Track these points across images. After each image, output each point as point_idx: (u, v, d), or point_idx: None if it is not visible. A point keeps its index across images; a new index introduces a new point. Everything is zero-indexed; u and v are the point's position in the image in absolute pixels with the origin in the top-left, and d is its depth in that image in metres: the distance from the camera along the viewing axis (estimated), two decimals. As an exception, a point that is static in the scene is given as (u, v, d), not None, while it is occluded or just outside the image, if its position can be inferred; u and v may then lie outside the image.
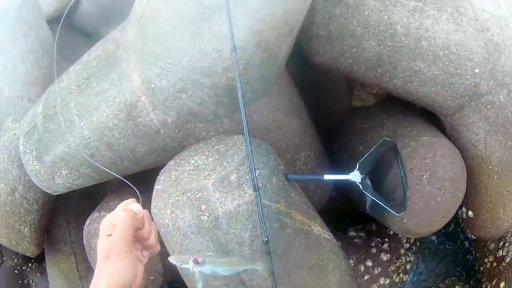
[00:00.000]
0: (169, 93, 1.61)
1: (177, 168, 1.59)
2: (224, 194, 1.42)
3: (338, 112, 2.29)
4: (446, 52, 1.70)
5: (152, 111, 1.65)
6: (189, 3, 1.49)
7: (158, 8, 1.58)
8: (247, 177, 1.44)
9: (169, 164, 1.65)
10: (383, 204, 1.68)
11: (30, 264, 3.09)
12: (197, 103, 1.64)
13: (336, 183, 2.01)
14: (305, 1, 1.58)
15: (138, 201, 0.89)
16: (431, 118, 2.06)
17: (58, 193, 2.04)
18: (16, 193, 2.28)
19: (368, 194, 1.68)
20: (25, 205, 2.30)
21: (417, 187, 1.76)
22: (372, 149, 1.75)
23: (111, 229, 0.79)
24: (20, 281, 3.02)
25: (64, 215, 2.59)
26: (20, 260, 3.09)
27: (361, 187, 1.64)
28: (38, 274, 3.04)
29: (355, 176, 1.65)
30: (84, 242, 2.08)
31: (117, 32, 1.80)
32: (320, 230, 1.70)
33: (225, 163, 1.49)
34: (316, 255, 1.64)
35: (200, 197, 1.42)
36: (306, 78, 2.12)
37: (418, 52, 1.71)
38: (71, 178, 1.90)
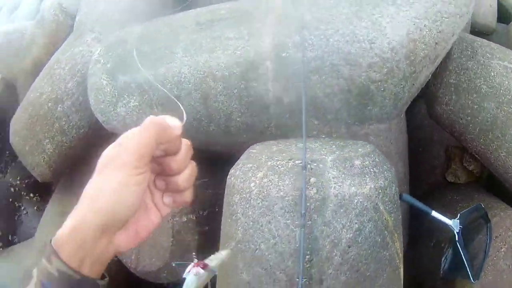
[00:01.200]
0: (299, 69, 1.33)
1: (281, 143, 1.30)
2: (343, 175, 1.12)
3: (427, 182, 2.16)
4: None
5: (272, 81, 1.37)
6: None
7: None
8: (373, 170, 1.16)
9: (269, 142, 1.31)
10: (466, 264, 1.55)
11: (31, 194, 2.73)
12: (324, 93, 1.36)
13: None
14: (453, 35, 1.48)
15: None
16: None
17: (108, 127, 1.69)
18: (59, 105, 1.93)
19: (460, 249, 1.56)
20: (63, 123, 1.94)
21: (494, 258, 1.62)
22: (469, 208, 1.70)
23: (129, 138, 0.47)
24: (11, 200, 2.59)
25: None
26: (24, 183, 2.74)
27: (456, 237, 1.56)
28: (35, 208, 2.65)
29: (455, 225, 1.58)
30: None
31: None
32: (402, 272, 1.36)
33: (346, 150, 1.23)
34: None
35: (312, 168, 1.11)
36: (409, 141, 2.03)
37: (527, 122, 1.68)
38: (136, 113, 1.58)
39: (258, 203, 1.13)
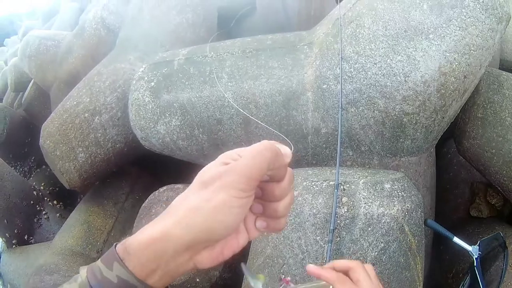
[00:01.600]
0: (338, 100, 1.39)
1: (316, 169, 1.37)
2: (372, 196, 1.18)
3: (452, 219, 2.18)
4: None
5: (312, 111, 1.43)
6: (396, 18, 1.42)
7: (363, 13, 1.48)
8: (402, 194, 1.22)
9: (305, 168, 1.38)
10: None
11: (55, 201, 2.81)
12: (360, 125, 1.42)
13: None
14: (480, 67, 1.52)
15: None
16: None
17: (145, 143, 1.75)
18: (97, 117, 2.01)
19: (478, 274, 1.58)
20: (99, 135, 2.01)
21: (509, 284, 1.63)
22: (489, 236, 1.72)
23: (234, 159, 0.46)
24: (32, 203, 2.67)
25: (132, 180, 2.30)
26: (49, 190, 2.78)
27: (475, 263, 1.58)
28: (57, 215, 2.70)
29: (474, 251, 1.60)
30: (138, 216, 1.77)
31: (303, 32, 1.67)
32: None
33: (378, 175, 1.29)
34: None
35: (344, 189, 1.18)
36: (438, 179, 2.06)
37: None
38: (177, 133, 1.63)
39: (291, 220, 1.18)
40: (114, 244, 0.46)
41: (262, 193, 0.49)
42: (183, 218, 0.44)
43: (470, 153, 1.91)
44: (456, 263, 2.03)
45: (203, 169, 0.46)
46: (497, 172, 1.83)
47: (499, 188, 2.04)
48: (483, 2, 1.41)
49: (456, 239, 1.66)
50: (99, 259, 0.46)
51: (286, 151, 0.49)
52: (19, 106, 3.97)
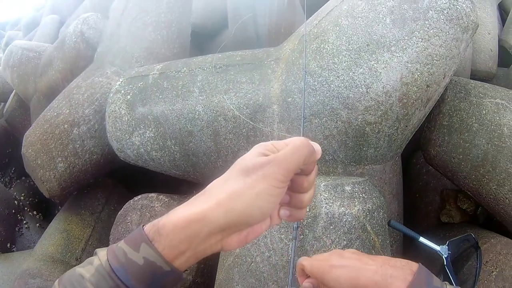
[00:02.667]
0: (302, 112, 1.51)
1: None
2: (333, 197, 1.27)
3: (422, 225, 2.28)
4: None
5: (277, 123, 1.54)
6: (359, 32, 1.51)
7: (328, 29, 1.58)
8: (362, 195, 1.31)
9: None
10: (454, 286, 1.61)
11: (34, 212, 2.87)
12: (323, 135, 1.53)
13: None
14: (444, 76, 1.58)
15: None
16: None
17: (121, 155, 1.85)
18: (75, 129, 2.08)
19: (449, 272, 1.66)
20: (77, 145, 2.08)
21: (485, 282, 1.70)
22: (459, 237, 1.79)
23: (271, 151, 0.52)
24: (14, 212, 2.74)
25: (108, 191, 2.37)
26: (28, 200, 2.85)
27: (445, 262, 1.67)
28: (37, 224, 2.77)
29: (443, 250, 1.68)
30: (114, 224, 1.85)
31: (270, 48, 1.78)
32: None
33: (340, 180, 1.38)
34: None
35: None
36: (407, 189, 2.17)
37: (516, 154, 1.73)
38: (150, 144, 1.74)
39: None
40: (141, 225, 0.48)
41: (291, 185, 0.54)
42: (224, 201, 0.46)
43: (437, 160, 1.99)
44: (428, 267, 2.14)
45: (242, 158, 0.51)
46: (466, 177, 1.91)
47: (469, 193, 2.10)
48: (447, 13, 1.48)
49: (423, 239, 1.72)
50: (122, 241, 0.48)
51: (317, 148, 0.56)
52: (0, 117, 4.05)
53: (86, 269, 0.47)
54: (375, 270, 0.61)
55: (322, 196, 1.28)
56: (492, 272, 1.73)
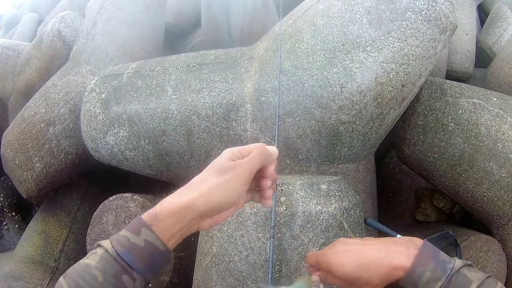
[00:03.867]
0: (275, 112, 1.51)
1: None
2: (309, 195, 1.26)
3: (397, 223, 2.28)
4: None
5: (251, 122, 1.53)
6: (335, 32, 1.51)
7: (303, 29, 1.57)
8: (338, 194, 1.31)
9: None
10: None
11: (13, 213, 2.81)
12: (297, 134, 1.53)
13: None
14: (420, 76, 1.59)
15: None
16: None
17: (95, 154, 1.82)
18: (51, 128, 2.04)
19: None
20: (53, 145, 2.04)
21: None
22: (436, 234, 1.80)
23: (237, 157, 0.65)
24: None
25: (83, 192, 2.33)
26: (7, 201, 2.80)
27: None
28: (16, 226, 2.72)
29: None
30: (90, 224, 1.83)
31: (244, 47, 1.77)
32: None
33: (315, 178, 1.37)
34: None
35: (282, 190, 1.26)
36: (381, 188, 2.15)
37: (493, 153, 1.74)
38: (124, 144, 1.71)
39: (234, 219, 1.26)
40: (139, 215, 0.58)
41: (261, 173, 0.68)
42: (205, 192, 0.59)
43: (412, 159, 1.99)
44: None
45: (216, 161, 0.64)
46: (442, 176, 1.91)
47: (445, 192, 2.12)
48: (425, 14, 1.48)
49: (400, 237, 1.74)
50: (123, 230, 0.57)
51: (274, 151, 0.70)
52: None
53: (91, 259, 0.55)
54: (377, 247, 0.66)
55: (298, 195, 1.27)
56: (473, 269, 1.76)
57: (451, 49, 2.85)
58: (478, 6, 3.73)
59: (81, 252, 2.15)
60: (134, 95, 1.68)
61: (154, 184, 2.16)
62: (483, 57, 3.25)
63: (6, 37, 4.55)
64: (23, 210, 2.94)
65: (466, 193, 1.89)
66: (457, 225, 2.20)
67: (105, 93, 1.76)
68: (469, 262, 0.64)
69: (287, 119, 1.52)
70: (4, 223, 2.85)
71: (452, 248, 1.74)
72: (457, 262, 0.63)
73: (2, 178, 3.39)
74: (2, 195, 3.01)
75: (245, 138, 1.55)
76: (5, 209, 2.88)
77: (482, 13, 3.86)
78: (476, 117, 1.79)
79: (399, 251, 0.64)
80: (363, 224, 1.49)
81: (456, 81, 2.18)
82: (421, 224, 2.22)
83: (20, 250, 2.27)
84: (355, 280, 0.66)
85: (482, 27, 3.55)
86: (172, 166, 1.67)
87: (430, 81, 1.94)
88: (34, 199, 2.23)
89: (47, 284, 2.06)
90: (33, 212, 2.64)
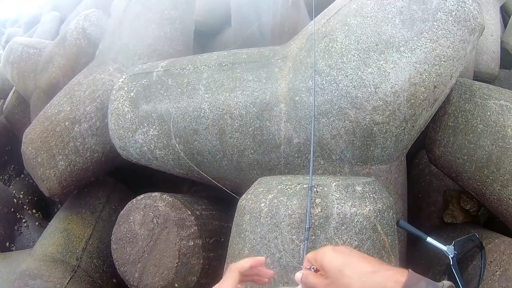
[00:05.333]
0: (310, 112, 1.48)
1: (289, 176, 1.44)
2: (345, 197, 1.24)
3: (426, 225, 2.26)
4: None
5: (285, 122, 1.50)
6: (369, 32, 1.50)
7: (336, 28, 1.55)
8: (373, 195, 1.29)
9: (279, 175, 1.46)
10: (460, 286, 1.63)
11: (34, 210, 2.80)
12: (331, 134, 1.50)
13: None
14: (451, 77, 1.58)
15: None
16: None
17: (123, 153, 1.80)
18: (76, 126, 2.03)
19: (455, 272, 1.65)
20: (78, 143, 2.03)
21: (489, 281, 1.70)
22: (463, 237, 1.79)
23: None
24: (13, 210, 2.69)
25: (109, 190, 2.31)
26: (27, 199, 2.79)
27: (451, 262, 1.66)
28: (36, 223, 2.72)
29: (449, 250, 1.68)
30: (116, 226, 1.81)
31: (276, 46, 1.75)
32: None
33: (350, 180, 1.35)
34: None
35: (317, 191, 1.24)
36: (410, 189, 2.13)
37: (519, 155, 1.71)
38: (154, 143, 1.69)
39: (267, 221, 1.23)
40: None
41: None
42: None
43: (442, 161, 1.99)
44: (432, 267, 2.08)
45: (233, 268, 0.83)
46: (470, 178, 1.91)
47: (472, 194, 2.10)
48: (455, 14, 1.47)
49: (430, 239, 1.71)
50: None
51: (259, 260, 0.86)
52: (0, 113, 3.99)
53: None
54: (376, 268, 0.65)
55: (333, 196, 1.24)
56: (496, 271, 1.73)
57: (477, 50, 2.81)
58: (500, 7, 3.67)
59: (105, 251, 2.13)
60: (165, 94, 1.66)
61: (183, 182, 2.14)
62: (507, 58, 3.20)
63: (26, 36, 4.58)
64: (44, 207, 2.94)
65: (492, 195, 1.87)
66: (482, 227, 2.18)
67: (134, 91, 1.74)
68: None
69: (321, 119, 1.49)
70: (24, 220, 2.85)
71: (477, 251, 1.83)
72: None
73: (22, 176, 3.41)
74: (22, 193, 3.02)
75: (279, 138, 1.52)
76: (25, 206, 2.88)
77: (505, 14, 3.80)
78: (503, 119, 1.79)
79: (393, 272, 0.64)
80: (396, 226, 1.48)
81: (484, 82, 2.16)
82: (448, 225, 2.21)
83: (40, 248, 2.26)
84: (338, 278, 0.67)
85: (505, 28, 3.49)
86: (203, 166, 1.65)
87: (460, 82, 1.93)
88: (57, 197, 2.22)
89: (67, 283, 2.04)
90: (55, 210, 2.63)
